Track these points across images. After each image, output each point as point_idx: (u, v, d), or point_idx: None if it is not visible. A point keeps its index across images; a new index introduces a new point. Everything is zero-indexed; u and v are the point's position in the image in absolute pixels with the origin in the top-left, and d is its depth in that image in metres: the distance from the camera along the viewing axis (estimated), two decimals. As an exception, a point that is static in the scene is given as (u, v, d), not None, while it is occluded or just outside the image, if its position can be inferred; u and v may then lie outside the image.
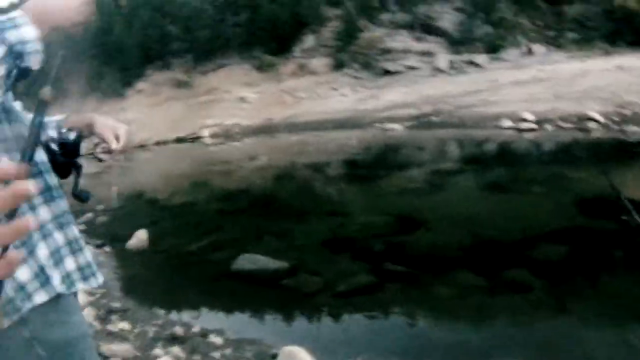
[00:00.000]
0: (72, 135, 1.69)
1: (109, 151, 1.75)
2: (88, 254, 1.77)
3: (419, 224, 9.06)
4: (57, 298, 1.54)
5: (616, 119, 14.42)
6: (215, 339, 5.54)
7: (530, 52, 23.92)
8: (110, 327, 5.86)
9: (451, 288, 6.85)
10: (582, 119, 14.80)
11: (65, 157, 1.65)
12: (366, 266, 7.57)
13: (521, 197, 10.52)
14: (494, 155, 14.30)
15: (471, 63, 22.98)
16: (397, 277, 7.25)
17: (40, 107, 0.90)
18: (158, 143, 16.78)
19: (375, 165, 13.90)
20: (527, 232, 8.50)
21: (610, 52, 21.69)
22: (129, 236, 9.04)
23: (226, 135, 17.37)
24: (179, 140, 17.01)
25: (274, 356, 4.98)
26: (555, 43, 24.29)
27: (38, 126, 0.88)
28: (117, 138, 1.80)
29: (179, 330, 5.77)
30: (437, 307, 6.48)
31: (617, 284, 6.74)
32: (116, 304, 6.68)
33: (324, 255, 8.13)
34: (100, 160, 1.84)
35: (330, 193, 11.82)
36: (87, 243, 6.65)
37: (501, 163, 13.47)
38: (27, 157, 0.81)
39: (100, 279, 1.81)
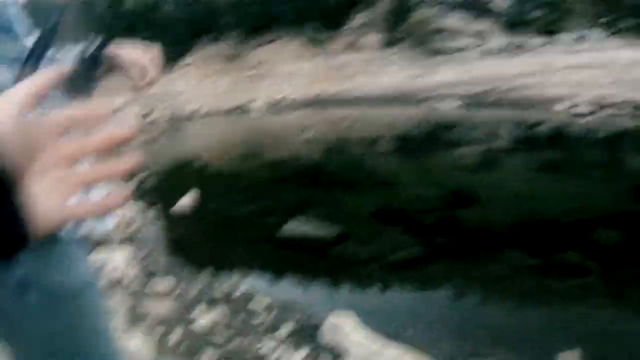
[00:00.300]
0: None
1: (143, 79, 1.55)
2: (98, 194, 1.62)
3: (471, 200, 8.86)
4: (59, 240, 1.35)
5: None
6: (260, 303, 5.44)
7: (585, 37, 23.27)
8: (152, 287, 5.79)
9: (502, 267, 6.64)
10: (639, 107, 14.37)
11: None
12: (416, 239, 7.41)
13: (576, 180, 10.18)
14: (548, 137, 13.91)
15: (524, 46, 22.43)
16: (447, 251, 7.08)
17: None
18: (207, 115, 16.78)
19: (426, 141, 13.68)
20: (582, 214, 8.23)
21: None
22: (178, 199, 9.06)
23: (275, 108, 17.29)
24: (228, 112, 16.98)
25: (320, 320, 4.84)
26: (611, 29, 23.59)
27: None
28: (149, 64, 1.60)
29: (222, 291, 5.70)
30: (487, 285, 6.27)
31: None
32: (160, 264, 6.65)
33: (373, 226, 7.98)
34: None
35: (380, 166, 11.64)
36: (136, 204, 6.64)
37: (555, 145, 13.10)
38: None
39: (110, 224, 1.62)
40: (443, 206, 8.69)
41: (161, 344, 4.35)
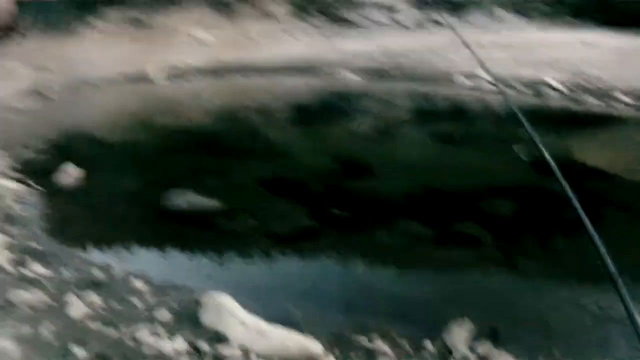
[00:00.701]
0: None
1: None
2: None
3: (365, 170, 8.53)
4: None
5: (574, 88, 14.33)
6: (137, 284, 4.93)
7: (496, 17, 23.56)
8: (24, 271, 5.13)
9: (396, 237, 6.40)
10: (541, 86, 14.58)
11: None
12: (307, 209, 7.02)
13: (473, 152, 10.09)
14: (448, 110, 13.86)
15: (435, 21, 22.44)
16: (339, 222, 6.74)
17: None
18: (107, 80, 15.95)
19: (326, 111, 13.37)
20: (477, 185, 8.13)
21: (576, 27, 21.63)
22: (59, 172, 8.22)
23: (178, 75, 16.66)
24: (129, 78, 16.22)
25: (199, 303, 4.40)
26: (522, 11, 24.00)
27: None
28: None
29: (98, 273, 5.12)
30: (381, 257, 5.98)
31: (567, 246, 6.40)
32: (34, 245, 5.87)
33: (262, 196, 7.52)
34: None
35: (276, 135, 11.23)
36: (12, 177, 5.86)
37: (455, 118, 13.05)
38: None
39: None
40: (336, 176, 8.35)
41: (33, 333, 3.91)
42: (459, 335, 4.16)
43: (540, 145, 2.72)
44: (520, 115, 2.78)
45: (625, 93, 13.56)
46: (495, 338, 4.34)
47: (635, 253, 6.16)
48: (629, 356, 4.35)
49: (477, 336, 4.28)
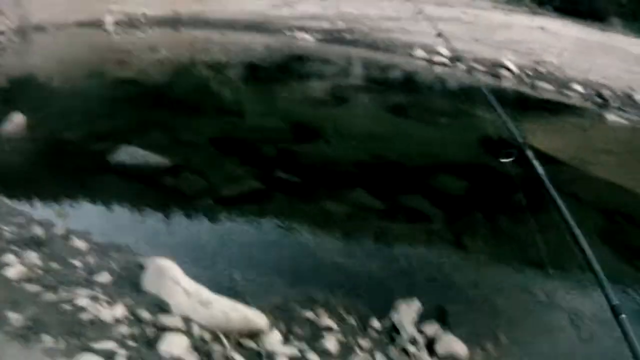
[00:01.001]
0: None
1: None
2: None
3: (315, 135, 8.35)
4: None
5: (530, 73, 14.41)
6: (79, 243, 4.62)
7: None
8: None
9: (345, 207, 6.25)
10: (497, 66, 14.59)
11: None
12: (255, 171, 6.80)
13: (425, 126, 10.02)
14: (402, 81, 13.76)
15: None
16: (288, 187, 6.55)
17: None
18: (58, 26, 15.23)
19: (279, 71, 13.07)
20: (427, 160, 8.08)
21: (536, 12, 21.81)
22: (5, 120, 7.69)
23: (130, 24, 16.06)
24: (81, 24, 15.54)
25: (142, 267, 4.14)
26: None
27: None
28: None
29: (39, 231, 4.76)
30: (329, 225, 5.84)
31: (514, 227, 6.39)
32: None
33: (210, 155, 7.25)
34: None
35: (227, 93, 10.90)
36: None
37: (408, 90, 12.95)
38: None
39: None
40: (285, 139, 8.12)
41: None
42: (407, 315, 4.04)
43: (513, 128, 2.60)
44: (489, 96, 2.63)
45: (580, 83, 13.71)
46: (443, 319, 4.25)
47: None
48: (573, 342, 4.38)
49: (425, 316, 4.18)
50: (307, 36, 15.57)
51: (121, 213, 5.67)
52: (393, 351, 3.76)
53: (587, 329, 4.55)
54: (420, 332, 3.94)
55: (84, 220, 5.31)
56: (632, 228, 6.83)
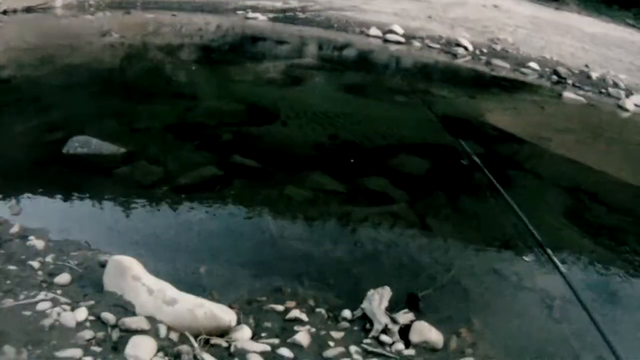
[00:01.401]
0: None
1: None
2: None
3: (272, 117, 8.16)
4: None
5: (485, 51, 14.49)
6: (36, 242, 4.36)
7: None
8: None
9: (306, 190, 6.12)
10: (452, 44, 14.66)
11: None
12: (212, 157, 6.58)
13: (382, 105, 9.94)
14: (358, 60, 13.68)
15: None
16: (246, 172, 6.37)
17: None
18: (5, 12, 14.66)
19: (232, 52, 12.81)
20: (387, 140, 8.02)
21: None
22: None
23: (79, 7, 15.58)
24: (29, 9, 14.99)
25: (103, 265, 3.93)
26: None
27: None
28: None
29: None
30: (291, 211, 5.70)
31: (478, 207, 6.43)
32: None
33: (166, 142, 6.98)
34: None
35: (180, 76, 10.58)
36: None
37: (364, 69, 12.92)
38: None
39: None
40: (241, 122, 7.91)
41: None
42: (378, 303, 3.94)
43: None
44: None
45: (535, 61, 13.83)
46: (415, 306, 4.18)
47: (541, 216, 6.23)
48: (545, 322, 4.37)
49: (397, 304, 4.10)
50: (259, 16, 15.37)
51: (77, 207, 5.39)
52: (366, 342, 3.66)
53: (559, 308, 4.56)
54: (393, 320, 3.84)
55: (39, 217, 5.01)
56: (593, 204, 6.89)
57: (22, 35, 13.06)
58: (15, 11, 14.84)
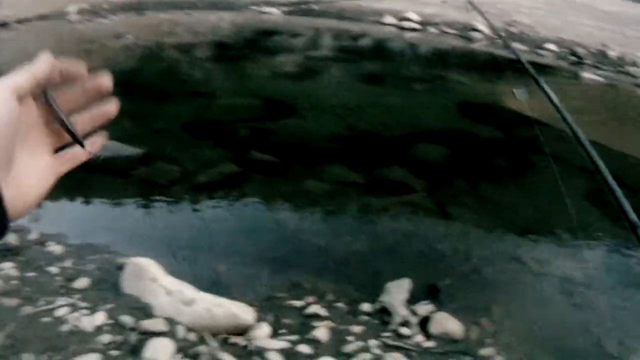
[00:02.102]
0: None
1: None
2: None
3: (289, 111, 8.12)
4: None
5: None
6: (55, 248, 4.39)
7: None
8: None
9: (325, 183, 6.08)
10: (468, 29, 14.50)
11: None
12: (230, 154, 6.58)
13: (400, 93, 9.85)
14: (373, 50, 13.56)
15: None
16: (264, 167, 6.35)
17: None
18: (20, 21, 14.83)
19: (247, 48, 12.77)
20: (405, 129, 7.94)
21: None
22: None
23: (93, 11, 15.66)
24: (43, 17, 15.14)
25: (121, 267, 3.96)
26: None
27: None
28: None
29: (12, 238, 4.47)
30: (310, 205, 5.69)
31: (499, 193, 6.34)
32: None
33: (184, 141, 6.99)
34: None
35: (196, 74, 10.62)
36: None
37: (380, 58, 12.81)
38: None
39: None
40: (258, 117, 7.89)
41: None
42: (398, 295, 3.92)
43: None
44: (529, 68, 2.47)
45: (553, 42, 13.62)
46: (435, 297, 4.15)
47: (561, 202, 6.13)
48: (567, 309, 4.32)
49: (416, 295, 4.06)
50: (273, 10, 15.32)
51: (95, 211, 5.44)
52: (386, 335, 3.64)
53: (580, 294, 4.50)
54: (413, 312, 3.83)
55: (57, 222, 5.05)
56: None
57: (38, 42, 13.20)
58: (29, 20, 15.04)
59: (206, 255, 4.56)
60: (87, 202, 5.52)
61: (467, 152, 7.38)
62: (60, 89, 0.79)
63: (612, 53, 13.18)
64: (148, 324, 3.23)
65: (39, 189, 0.76)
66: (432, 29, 14.53)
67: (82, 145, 0.84)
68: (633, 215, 1.97)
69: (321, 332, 3.54)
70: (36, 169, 0.75)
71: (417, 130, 7.92)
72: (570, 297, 4.49)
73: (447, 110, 8.90)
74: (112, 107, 0.85)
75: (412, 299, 4.01)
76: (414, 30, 14.44)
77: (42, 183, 0.77)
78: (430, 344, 3.63)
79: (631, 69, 12.52)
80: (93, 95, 0.82)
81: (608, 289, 4.42)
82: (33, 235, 4.54)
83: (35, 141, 0.76)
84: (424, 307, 3.92)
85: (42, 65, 0.75)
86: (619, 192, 2.10)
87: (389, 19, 14.81)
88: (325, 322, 3.67)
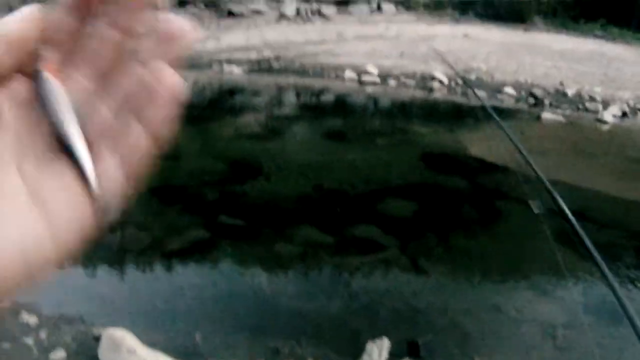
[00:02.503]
0: None
1: None
2: None
3: (255, 172, 8.12)
4: None
5: (460, 82, 14.57)
6: (29, 318, 4.32)
7: (379, 9, 23.85)
8: None
9: (295, 246, 6.07)
10: (426, 78, 14.77)
11: None
12: (199, 219, 6.55)
13: (363, 149, 9.91)
14: (335, 105, 13.76)
15: (319, 13, 22.36)
16: (234, 231, 6.32)
17: None
18: None
19: (210, 108, 12.81)
20: (372, 185, 7.96)
21: (459, 20, 22.33)
22: None
23: None
24: None
25: (97, 338, 3.90)
26: (405, 4, 24.47)
27: None
28: None
29: None
30: (282, 268, 5.65)
31: (470, 243, 6.39)
32: None
33: (151, 206, 6.91)
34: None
35: (159, 136, 10.59)
36: None
37: (342, 114, 12.95)
38: None
39: None
40: (225, 180, 7.90)
41: None
42: (378, 355, 3.87)
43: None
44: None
45: (511, 85, 13.91)
46: (416, 353, 4.11)
47: (532, 245, 6.18)
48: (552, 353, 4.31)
49: (397, 353, 4.03)
50: (235, 68, 15.42)
51: (67, 279, 5.32)
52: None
53: (561, 337, 4.50)
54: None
55: (28, 290, 4.95)
56: (583, 224, 6.83)
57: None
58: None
59: (181, 323, 4.48)
60: (57, 271, 5.40)
61: (434, 204, 7.43)
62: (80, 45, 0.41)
63: (570, 91, 13.53)
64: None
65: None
66: (392, 81, 14.75)
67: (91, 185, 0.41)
68: (587, 240, 2.01)
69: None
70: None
71: (382, 185, 7.95)
72: (553, 340, 4.50)
73: (411, 163, 8.97)
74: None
75: (393, 357, 3.97)
76: (374, 83, 14.64)
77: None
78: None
79: (589, 105, 12.85)
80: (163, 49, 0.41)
81: (587, 328, 4.41)
82: (6, 304, 4.42)
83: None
84: (406, 366, 3.88)
85: (18, 23, 0.40)
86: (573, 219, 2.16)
87: (350, 74, 15.00)
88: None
